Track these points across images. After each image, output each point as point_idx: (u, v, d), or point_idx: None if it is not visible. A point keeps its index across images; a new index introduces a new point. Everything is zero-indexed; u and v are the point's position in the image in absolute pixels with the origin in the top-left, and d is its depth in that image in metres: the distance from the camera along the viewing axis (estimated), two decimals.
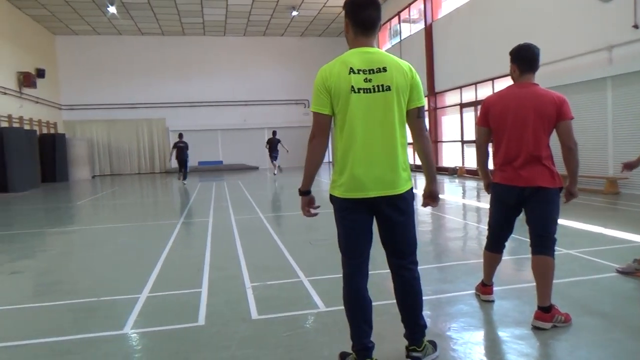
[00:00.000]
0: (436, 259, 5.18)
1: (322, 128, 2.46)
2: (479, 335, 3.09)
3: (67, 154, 21.13)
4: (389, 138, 2.41)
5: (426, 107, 18.30)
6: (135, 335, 3.26)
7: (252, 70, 25.92)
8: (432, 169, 2.61)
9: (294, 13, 21.67)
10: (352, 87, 2.37)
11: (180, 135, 16.89)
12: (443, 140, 18.34)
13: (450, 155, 17.78)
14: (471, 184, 13.58)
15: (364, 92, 2.38)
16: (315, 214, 2.64)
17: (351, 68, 2.38)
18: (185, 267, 5.07)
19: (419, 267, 2.63)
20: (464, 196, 11.13)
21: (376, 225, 2.55)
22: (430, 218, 7.89)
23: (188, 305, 3.79)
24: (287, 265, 4.91)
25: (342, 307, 2.57)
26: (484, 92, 15.09)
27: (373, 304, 2.58)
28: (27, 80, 19.07)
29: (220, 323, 3.37)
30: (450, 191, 12.18)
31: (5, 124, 17.11)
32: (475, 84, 15.40)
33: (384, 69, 2.39)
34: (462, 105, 16.48)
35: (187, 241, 6.50)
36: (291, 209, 9.50)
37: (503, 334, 3.08)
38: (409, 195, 2.51)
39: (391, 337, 2.98)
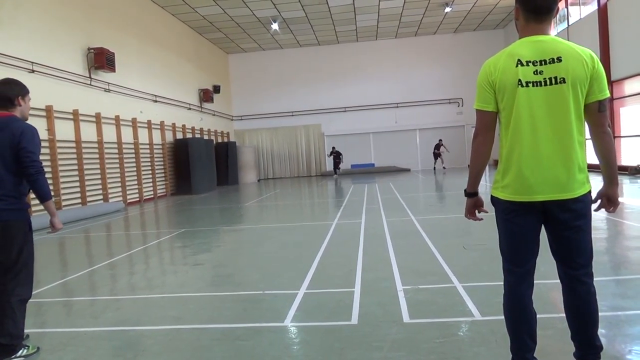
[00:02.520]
0: (613, 270, 4.56)
1: (485, 126, 2.31)
2: None
3: (238, 160, 23.60)
4: (563, 135, 2.17)
5: None
6: (294, 328, 3.51)
7: (403, 71, 25.86)
8: (612, 169, 2.29)
9: (447, 9, 21.02)
10: (520, 80, 2.17)
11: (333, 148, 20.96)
12: (622, 135, 16.01)
13: (631, 153, 15.41)
14: None
15: (534, 86, 2.17)
16: (481, 219, 2.50)
17: (519, 60, 2.18)
18: (340, 266, 5.28)
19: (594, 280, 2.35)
20: None
21: (544, 230, 2.34)
22: (606, 224, 6.96)
23: (342, 303, 3.95)
24: (440, 270, 4.80)
25: (499, 317, 2.43)
26: None
27: (537, 316, 2.39)
28: (206, 96, 21.89)
29: (373, 324, 3.44)
30: (631, 193, 10.57)
31: (189, 135, 19.85)
32: None
33: (559, 59, 2.14)
34: None
35: (341, 241, 6.77)
36: (444, 211, 9.24)
37: None
38: (587, 199, 2.25)
39: (557, 354, 2.72)
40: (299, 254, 6.18)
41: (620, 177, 13.90)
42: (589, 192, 2.27)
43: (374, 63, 26.07)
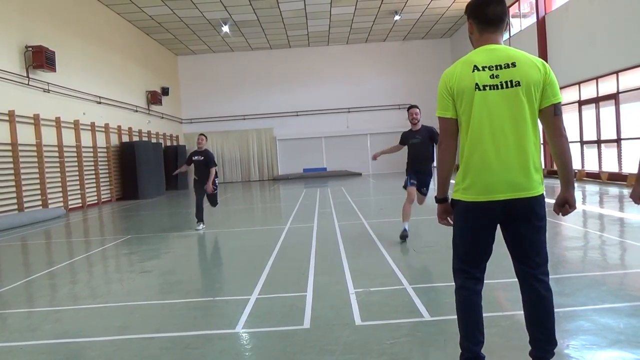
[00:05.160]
0: (552, 269, 4.77)
1: (447, 133, 2.39)
2: (603, 356, 2.80)
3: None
4: (520, 136, 2.25)
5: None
6: (246, 334, 3.46)
7: (354, 77, 26.23)
8: (569, 172, 2.38)
9: (396, 18, 21.53)
10: (477, 84, 2.25)
11: (201, 140, 8.95)
12: None
13: None
14: (592, 188, 12.36)
15: (490, 89, 2.25)
16: (452, 224, 2.54)
17: (475, 66, 2.28)
18: (292, 271, 5.27)
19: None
20: (583, 202, 10.18)
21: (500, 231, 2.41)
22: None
23: (294, 308, 3.93)
24: (390, 272, 4.88)
25: (448, 317, 2.51)
26: (606, 87, 13.68)
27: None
28: (154, 98, 21.27)
29: (325, 327, 3.44)
30: None
31: (136, 138, 19.20)
32: (597, 78, 14.03)
33: (513, 64, 2.25)
34: (581, 103, 15.09)
35: (293, 246, 6.75)
36: (394, 215, 9.42)
37: (633, 356, 2.76)
38: (543, 200, 2.34)
39: (501, 351, 2.83)
40: (250, 259, 6.10)
41: (555, 181, 14.71)
42: (543, 194, 2.36)
43: (326, 68, 26.29)
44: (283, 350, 3.11)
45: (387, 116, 26.23)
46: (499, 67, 2.26)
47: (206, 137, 9.21)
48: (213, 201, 9.20)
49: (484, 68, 2.27)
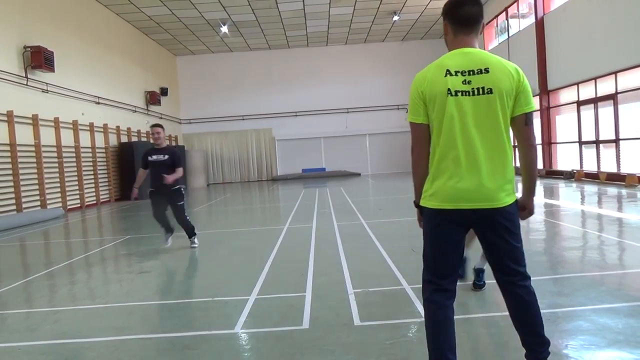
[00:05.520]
0: (551, 270, 4.81)
1: (419, 138, 2.34)
2: (602, 356, 2.80)
3: (186, 164, 23.04)
4: (492, 145, 2.21)
5: (538, 107, 17.02)
6: (244, 334, 3.46)
7: (353, 77, 26.22)
8: (533, 181, 2.39)
9: (395, 18, 21.53)
10: (449, 89, 2.20)
11: (158, 133, 6.86)
12: (557, 141, 16.97)
13: (566, 158, 16.37)
14: (590, 188, 12.37)
15: (462, 95, 2.20)
16: None
17: (448, 70, 2.23)
18: (291, 271, 5.26)
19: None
20: (582, 202, 10.19)
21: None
22: (544, 225, 7.35)
23: (293, 308, 3.93)
24: (389, 273, 4.88)
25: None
26: (605, 87, 13.70)
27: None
28: (152, 98, 21.25)
29: (324, 328, 3.44)
30: (566, 197, 11.21)
31: (135, 139, 19.18)
32: (595, 78, 14.04)
33: (486, 70, 2.20)
34: (580, 103, 15.11)
35: (292, 246, 6.75)
36: (393, 215, 9.42)
37: (630, 356, 2.76)
38: (513, 209, 2.28)
39: (500, 351, 2.82)
40: (249, 259, 6.10)
41: (556, 181, 14.74)
42: (516, 201, 2.31)
43: (325, 68, 26.29)
44: (282, 350, 3.11)
45: (386, 116, 26.24)
46: (472, 73, 2.21)
47: (163, 128, 6.91)
48: (179, 213, 6.85)
49: (456, 73, 2.21)
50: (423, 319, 3.44)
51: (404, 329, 3.34)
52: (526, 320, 2.35)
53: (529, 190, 2.40)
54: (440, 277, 2.32)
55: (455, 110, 2.21)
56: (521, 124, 2.28)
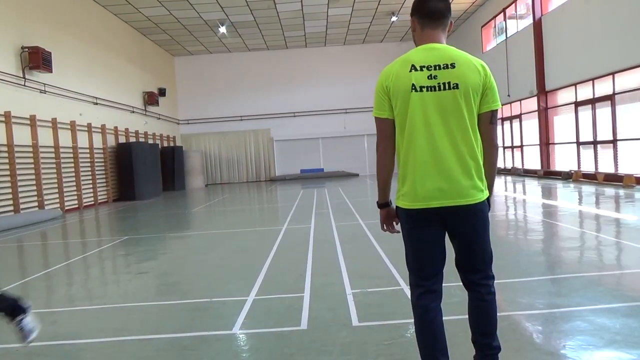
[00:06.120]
0: (549, 270, 4.82)
1: (383, 134, 2.29)
2: (600, 356, 2.80)
3: (184, 165, 23.02)
4: (458, 141, 2.16)
5: (535, 107, 17.02)
6: (243, 335, 3.45)
7: (352, 77, 26.25)
8: (492, 181, 2.34)
9: (394, 18, 21.56)
10: (413, 85, 2.15)
11: None
12: (555, 142, 17.00)
13: (563, 159, 16.41)
14: (588, 189, 12.40)
15: (427, 90, 2.15)
16: (398, 231, 2.41)
17: (413, 65, 2.17)
18: (289, 272, 5.26)
19: (496, 281, 2.37)
20: (580, 202, 10.21)
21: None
22: (542, 226, 7.36)
23: (291, 309, 3.93)
24: (388, 273, 4.88)
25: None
26: (603, 88, 13.74)
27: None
28: (151, 99, 21.24)
29: (322, 328, 3.44)
30: (564, 197, 11.23)
31: (133, 139, 19.16)
32: (593, 79, 14.08)
33: (452, 65, 2.15)
34: (577, 104, 15.14)
35: (291, 247, 6.75)
36: None
37: (629, 356, 2.77)
38: (483, 206, 2.23)
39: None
40: (247, 260, 6.10)
41: (553, 182, 14.77)
42: (487, 199, 2.28)
43: (323, 69, 26.32)
44: (280, 351, 3.11)
45: None
46: (437, 68, 2.16)
47: None
48: None
49: (422, 68, 2.17)
50: None
51: (403, 329, 3.34)
52: (481, 321, 2.32)
53: (488, 189, 2.32)
54: (424, 278, 2.29)
55: (419, 106, 2.16)
56: (486, 121, 2.23)
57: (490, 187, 2.33)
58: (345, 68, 26.27)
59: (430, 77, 2.15)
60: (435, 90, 2.15)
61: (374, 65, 26.24)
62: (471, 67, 2.18)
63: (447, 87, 2.15)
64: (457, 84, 2.14)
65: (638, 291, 3.97)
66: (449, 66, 2.16)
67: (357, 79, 26.22)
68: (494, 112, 2.23)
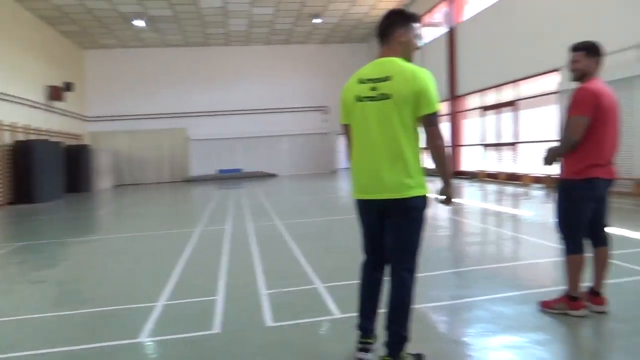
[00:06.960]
0: (453, 264, 5.09)
1: (347, 137, 2.76)
2: (497, 341, 3.01)
3: (92, 165, 21.57)
4: (390, 144, 2.47)
5: (447, 111, 17.95)
6: (150, 343, 3.27)
7: (273, 78, 26.10)
8: (443, 174, 2.61)
9: (316, 20, 21.75)
10: (357, 96, 2.54)
11: None
12: (463, 144, 18.11)
13: (471, 159, 17.54)
14: (491, 187, 13.35)
15: (369, 101, 2.50)
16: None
17: (360, 79, 2.56)
18: (203, 274, 5.10)
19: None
20: (483, 200, 10.94)
21: None
22: (448, 222, 7.77)
23: (204, 313, 3.80)
24: (303, 273, 4.89)
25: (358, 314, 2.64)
26: (507, 94, 14.90)
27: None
28: (55, 93, 19.62)
29: (236, 330, 3.36)
30: (469, 195, 11.98)
31: (33, 137, 17.61)
32: (498, 86, 15.22)
33: (389, 78, 2.47)
34: (485, 108, 16.27)
35: (204, 249, 6.55)
36: (307, 215, 9.49)
37: (522, 339, 2.99)
38: (412, 202, 2.50)
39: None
40: (157, 264, 5.82)
41: (461, 181, 15.71)
42: (419, 196, 2.51)
43: (244, 68, 25.91)
44: (189, 357, 2.99)
45: (303, 118, 26.42)
46: (378, 80, 2.49)
47: None
48: None
49: (368, 81, 2.53)
50: (335, 317, 3.52)
51: (317, 327, 3.36)
52: (391, 307, 2.55)
53: (443, 181, 2.66)
54: (368, 252, 2.78)
55: (361, 115, 2.55)
56: (425, 124, 2.50)
57: (444, 179, 2.62)
58: (267, 68, 26.07)
59: (372, 89, 2.51)
60: (374, 100, 2.50)
61: (297, 66, 26.37)
62: (405, 77, 2.44)
63: (383, 97, 2.47)
64: (391, 95, 2.45)
65: (531, 280, 4.31)
66: (387, 79, 2.47)
67: (278, 79, 26.14)
68: (428, 116, 2.47)
